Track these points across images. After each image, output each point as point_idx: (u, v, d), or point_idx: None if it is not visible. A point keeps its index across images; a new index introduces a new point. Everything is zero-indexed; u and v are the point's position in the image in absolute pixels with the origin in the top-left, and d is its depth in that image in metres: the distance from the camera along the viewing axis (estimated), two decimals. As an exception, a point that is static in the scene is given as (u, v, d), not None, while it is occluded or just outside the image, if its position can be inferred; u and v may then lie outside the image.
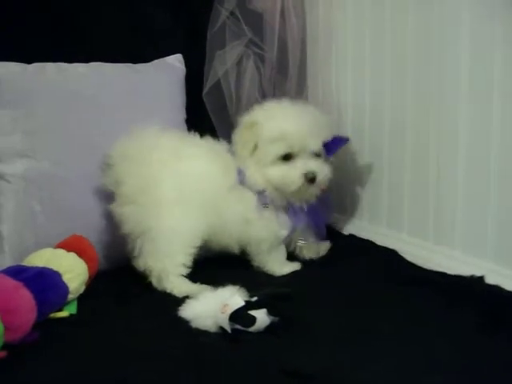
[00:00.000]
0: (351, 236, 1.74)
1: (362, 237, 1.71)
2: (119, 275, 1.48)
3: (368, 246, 1.65)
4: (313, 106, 1.60)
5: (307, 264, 1.57)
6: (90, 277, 1.38)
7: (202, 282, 1.41)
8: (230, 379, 1.04)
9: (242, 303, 1.19)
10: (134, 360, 1.11)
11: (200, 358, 1.10)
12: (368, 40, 1.70)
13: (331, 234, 1.69)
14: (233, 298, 1.21)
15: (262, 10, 1.85)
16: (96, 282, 1.41)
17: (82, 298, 1.34)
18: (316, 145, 1.49)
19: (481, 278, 1.36)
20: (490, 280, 1.35)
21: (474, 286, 1.35)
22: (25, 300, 1.16)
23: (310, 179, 1.47)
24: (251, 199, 1.48)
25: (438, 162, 1.50)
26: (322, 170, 1.49)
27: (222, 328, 1.19)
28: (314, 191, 1.50)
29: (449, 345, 1.13)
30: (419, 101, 1.54)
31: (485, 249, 1.40)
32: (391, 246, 1.61)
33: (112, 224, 1.49)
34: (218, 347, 1.14)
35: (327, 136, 1.52)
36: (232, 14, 1.83)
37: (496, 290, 1.31)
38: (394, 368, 1.06)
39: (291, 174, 1.46)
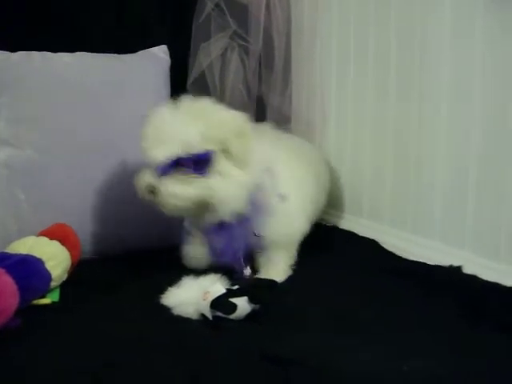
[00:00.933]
0: (333, 227, 1.76)
1: (343, 228, 1.73)
2: (102, 264, 1.49)
3: (349, 236, 1.67)
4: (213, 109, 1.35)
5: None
6: (72, 264, 1.39)
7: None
8: (213, 365, 1.05)
9: (224, 291, 1.21)
10: (117, 346, 1.11)
11: (183, 345, 1.11)
12: (352, 33, 1.72)
13: (314, 225, 1.71)
14: (214, 285, 1.22)
15: (247, 2, 1.86)
16: (79, 271, 1.41)
17: (64, 286, 1.34)
18: (158, 156, 1.27)
19: (459, 268, 1.39)
20: (468, 270, 1.38)
21: (453, 275, 1.37)
22: (6, 286, 1.16)
23: (151, 192, 1.30)
24: None
25: (419, 152, 1.53)
26: (166, 187, 1.28)
27: (203, 315, 1.20)
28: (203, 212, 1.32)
29: (429, 332, 1.15)
30: (401, 93, 1.56)
31: (463, 239, 1.43)
32: (372, 237, 1.63)
33: (95, 212, 1.50)
34: (200, 334, 1.15)
35: (196, 148, 1.27)
36: (217, 5, 1.85)
37: (474, 279, 1.34)
38: (374, 354, 1.07)
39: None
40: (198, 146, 1.27)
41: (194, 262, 1.45)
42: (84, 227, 1.50)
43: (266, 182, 1.37)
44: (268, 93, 1.93)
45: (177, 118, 1.30)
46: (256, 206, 1.35)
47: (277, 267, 1.43)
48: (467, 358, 1.07)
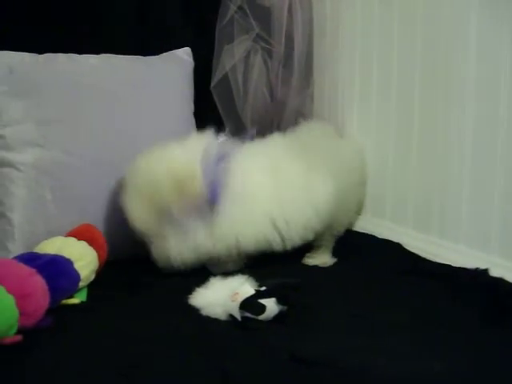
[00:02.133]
0: (356, 232, 1.76)
1: (367, 231, 1.73)
2: (129, 265, 1.50)
3: (373, 240, 1.67)
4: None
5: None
6: (99, 265, 1.40)
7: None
8: (241, 365, 1.06)
9: (252, 292, 1.22)
10: (145, 346, 1.12)
11: (211, 345, 1.12)
12: (376, 35, 1.71)
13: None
14: (243, 286, 1.23)
15: (269, 5, 1.86)
16: (106, 271, 1.42)
17: (92, 286, 1.36)
18: None
19: (485, 271, 1.39)
20: (495, 273, 1.37)
21: (479, 278, 1.37)
22: (38, 286, 1.18)
23: None
24: None
25: (444, 155, 1.53)
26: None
27: (231, 316, 1.21)
28: None
29: (454, 334, 1.16)
30: (426, 93, 1.56)
31: (489, 243, 1.43)
32: (396, 241, 1.63)
33: (122, 213, 1.51)
34: (229, 334, 1.16)
35: None
36: (240, 8, 1.85)
37: (500, 282, 1.34)
38: (400, 356, 1.08)
39: None
40: None
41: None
42: (110, 228, 1.51)
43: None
44: (288, 94, 1.93)
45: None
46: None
47: None
48: (491, 360, 1.07)
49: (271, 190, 1.50)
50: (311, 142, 1.62)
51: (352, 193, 1.64)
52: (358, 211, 1.74)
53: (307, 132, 1.70)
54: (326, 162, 1.57)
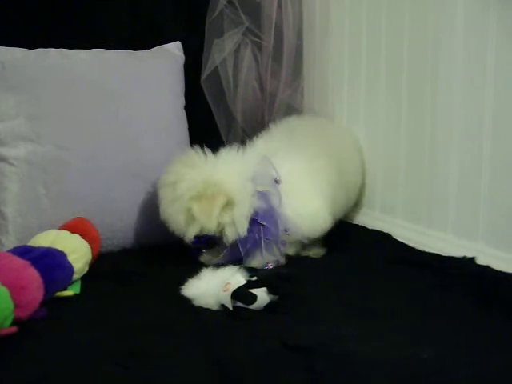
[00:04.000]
0: (346, 222, 1.77)
1: (357, 222, 1.75)
2: (121, 257, 1.52)
3: (363, 230, 1.69)
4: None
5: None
6: (92, 257, 1.42)
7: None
8: (236, 351, 1.08)
9: (244, 281, 1.24)
10: (139, 336, 1.14)
11: (205, 333, 1.14)
12: (364, 29, 1.73)
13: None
14: (234, 276, 1.25)
15: (259, -1, 1.88)
16: (99, 264, 1.44)
17: (85, 278, 1.37)
18: None
19: (472, 259, 1.41)
20: (482, 261, 1.40)
21: (466, 266, 1.39)
22: (33, 278, 1.20)
23: None
24: None
25: (432, 147, 1.55)
26: None
27: (223, 306, 1.23)
28: None
29: (444, 321, 1.18)
30: (414, 86, 1.58)
31: (476, 232, 1.45)
32: (385, 231, 1.66)
33: (114, 206, 1.53)
34: (222, 323, 1.19)
35: None
36: (230, 2, 1.86)
37: (487, 269, 1.36)
38: (392, 342, 1.10)
39: None
40: None
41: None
42: (103, 221, 1.53)
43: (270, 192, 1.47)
44: (278, 87, 1.95)
45: None
46: (266, 211, 1.45)
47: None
48: (480, 346, 1.09)
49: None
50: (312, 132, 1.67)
51: (352, 180, 1.70)
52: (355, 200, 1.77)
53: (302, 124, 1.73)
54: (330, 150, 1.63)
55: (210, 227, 1.42)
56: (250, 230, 1.44)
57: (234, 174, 1.45)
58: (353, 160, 1.74)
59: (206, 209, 1.41)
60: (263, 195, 1.46)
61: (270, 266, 1.47)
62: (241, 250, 1.45)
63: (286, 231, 1.47)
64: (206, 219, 1.41)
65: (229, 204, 1.42)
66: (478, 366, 1.03)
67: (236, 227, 1.42)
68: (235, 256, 1.46)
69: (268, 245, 1.45)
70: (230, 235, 1.43)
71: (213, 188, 1.42)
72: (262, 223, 1.44)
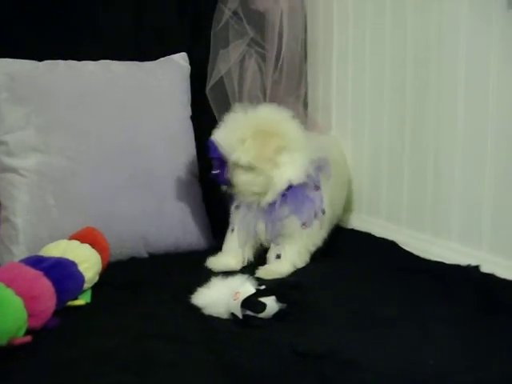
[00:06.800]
0: (352, 230, 1.80)
1: (363, 230, 1.76)
2: (130, 266, 1.54)
3: (369, 238, 1.71)
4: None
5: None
6: (102, 267, 1.43)
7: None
8: (247, 358, 1.09)
9: (253, 290, 1.25)
10: (151, 343, 1.16)
11: (216, 341, 1.16)
12: (368, 41, 1.75)
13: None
14: (244, 285, 1.27)
15: (263, 10, 1.90)
16: (109, 273, 1.45)
17: (95, 288, 1.39)
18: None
19: (477, 267, 1.43)
20: (486, 269, 1.41)
21: (470, 273, 1.41)
22: (46, 288, 1.22)
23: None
24: None
25: (436, 155, 1.57)
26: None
27: (233, 314, 1.25)
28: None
29: (449, 328, 1.20)
30: (418, 96, 1.60)
31: (480, 240, 1.47)
32: (390, 238, 1.67)
33: (123, 216, 1.54)
34: (232, 331, 1.20)
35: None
36: (235, 13, 1.88)
37: (491, 277, 1.38)
38: (399, 348, 1.12)
39: None
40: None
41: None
42: (112, 231, 1.54)
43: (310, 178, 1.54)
44: (280, 96, 1.97)
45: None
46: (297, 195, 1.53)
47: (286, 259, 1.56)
48: (483, 353, 1.11)
49: None
50: None
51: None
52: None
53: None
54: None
55: (258, 162, 1.48)
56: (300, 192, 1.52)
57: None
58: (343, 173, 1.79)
59: (260, 144, 1.48)
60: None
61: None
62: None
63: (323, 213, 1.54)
64: (258, 152, 1.47)
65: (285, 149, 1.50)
66: (483, 372, 1.04)
67: (295, 168, 1.50)
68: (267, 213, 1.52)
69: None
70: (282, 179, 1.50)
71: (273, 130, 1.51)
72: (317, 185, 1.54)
